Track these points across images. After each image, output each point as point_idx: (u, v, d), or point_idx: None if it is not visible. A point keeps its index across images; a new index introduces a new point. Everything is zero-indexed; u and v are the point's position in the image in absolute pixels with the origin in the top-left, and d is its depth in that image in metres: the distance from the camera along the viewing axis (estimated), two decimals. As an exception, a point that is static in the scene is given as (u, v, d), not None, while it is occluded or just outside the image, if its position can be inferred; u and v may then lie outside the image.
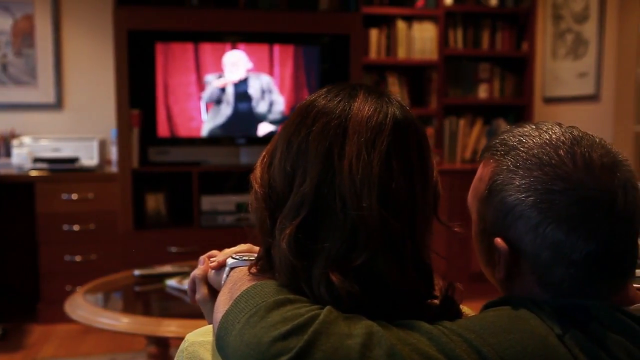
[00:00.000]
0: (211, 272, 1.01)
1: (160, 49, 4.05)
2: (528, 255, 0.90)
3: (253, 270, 0.91)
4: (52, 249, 4.22)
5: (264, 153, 0.94)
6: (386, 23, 4.81)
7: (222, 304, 0.88)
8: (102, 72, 4.61)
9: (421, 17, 4.82)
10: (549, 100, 4.86)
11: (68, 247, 4.24)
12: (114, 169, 4.35)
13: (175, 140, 4.19)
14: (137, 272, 3.08)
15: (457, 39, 4.92)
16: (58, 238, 4.22)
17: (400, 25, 4.79)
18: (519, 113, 5.00)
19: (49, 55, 4.65)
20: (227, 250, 1.01)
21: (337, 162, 0.85)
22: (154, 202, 4.27)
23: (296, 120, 0.90)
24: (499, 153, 0.94)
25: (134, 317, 2.69)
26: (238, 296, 0.85)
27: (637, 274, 1.03)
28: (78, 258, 4.23)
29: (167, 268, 3.10)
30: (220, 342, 0.84)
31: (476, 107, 5.08)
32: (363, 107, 0.88)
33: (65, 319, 2.79)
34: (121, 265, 3.72)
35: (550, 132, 0.93)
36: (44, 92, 4.66)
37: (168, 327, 2.50)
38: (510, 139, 0.94)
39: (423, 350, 0.78)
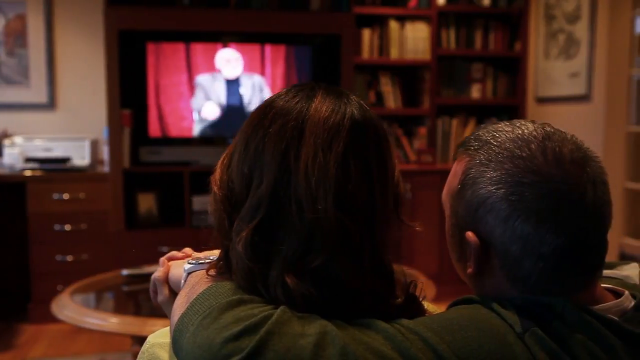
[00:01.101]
0: (172, 274, 1.01)
1: (151, 48, 4.05)
2: (498, 249, 0.90)
3: (211, 272, 0.91)
4: (43, 248, 4.22)
5: (224, 154, 0.94)
6: (379, 23, 4.80)
7: (179, 307, 0.88)
8: (95, 72, 4.61)
9: (414, 17, 4.82)
10: (542, 100, 4.86)
11: (59, 247, 4.24)
12: (106, 169, 4.35)
13: (167, 140, 4.19)
14: (125, 271, 3.08)
15: (450, 39, 4.92)
16: (49, 238, 4.22)
17: (393, 25, 4.79)
18: (512, 113, 5.00)
19: (42, 55, 4.65)
20: (185, 249, 1.02)
21: (293, 164, 0.84)
22: (146, 202, 4.27)
23: (254, 121, 0.90)
24: (472, 148, 0.95)
25: (119, 317, 2.69)
26: (194, 299, 0.85)
27: (606, 274, 1.03)
28: (69, 258, 4.23)
29: (155, 268, 3.10)
30: (176, 345, 0.84)
31: (469, 107, 5.08)
32: (321, 107, 0.88)
33: (56, 318, 2.79)
34: (112, 265, 3.72)
35: (523, 128, 0.93)
36: (37, 92, 4.66)
37: (153, 327, 2.49)
38: (484, 135, 0.95)
39: (377, 348, 0.78)
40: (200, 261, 0.95)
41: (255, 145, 0.87)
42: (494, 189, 0.89)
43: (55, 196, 4.20)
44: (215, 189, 0.91)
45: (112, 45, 3.97)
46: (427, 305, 0.99)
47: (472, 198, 0.92)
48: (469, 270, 0.94)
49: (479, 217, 0.91)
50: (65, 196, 4.21)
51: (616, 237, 4.19)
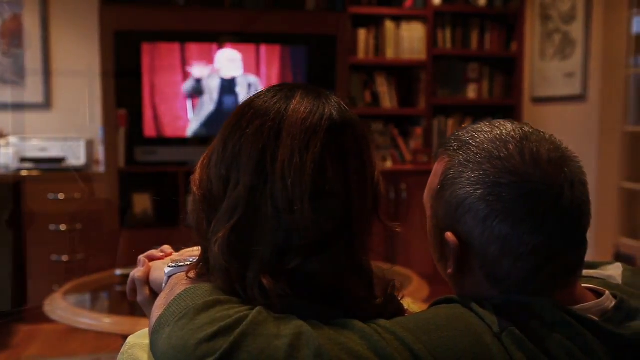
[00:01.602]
0: (153, 277, 1.01)
1: (146, 48, 4.05)
2: (477, 250, 0.90)
3: (191, 274, 0.91)
4: (38, 248, 4.21)
5: (204, 154, 0.94)
6: (374, 23, 4.80)
7: (157, 309, 0.88)
8: (90, 72, 4.60)
9: (409, 17, 4.82)
10: (537, 100, 4.86)
11: (55, 246, 4.24)
12: (102, 168, 4.35)
13: (162, 140, 4.19)
14: (118, 271, 3.09)
15: (446, 39, 4.92)
16: (45, 238, 4.22)
17: (389, 25, 4.79)
18: (508, 113, 4.99)
19: (37, 55, 4.65)
20: (164, 247, 1.02)
21: (269, 165, 0.84)
22: (141, 201, 4.27)
23: (232, 121, 0.90)
24: (451, 148, 0.95)
25: (112, 317, 2.69)
26: (172, 300, 0.85)
27: (589, 274, 1.03)
28: (65, 258, 4.22)
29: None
30: (153, 346, 0.84)
31: (465, 107, 5.08)
32: (299, 108, 0.88)
33: (51, 319, 2.80)
34: (108, 264, 3.72)
35: (502, 128, 0.93)
36: (32, 92, 4.66)
37: (144, 327, 2.50)
38: (464, 135, 0.95)
39: (353, 349, 0.78)
40: (180, 264, 0.95)
41: (232, 146, 0.87)
42: (472, 190, 0.89)
43: (50, 196, 4.20)
44: (194, 189, 0.91)
45: (108, 45, 3.97)
46: (410, 304, 0.99)
47: (451, 199, 0.92)
48: (449, 270, 0.94)
49: (458, 218, 0.91)
50: (61, 196, 4.21)
51: (612, 237, 4.19)
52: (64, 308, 2.74)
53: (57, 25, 4.67)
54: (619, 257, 4.12)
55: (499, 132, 0.92)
